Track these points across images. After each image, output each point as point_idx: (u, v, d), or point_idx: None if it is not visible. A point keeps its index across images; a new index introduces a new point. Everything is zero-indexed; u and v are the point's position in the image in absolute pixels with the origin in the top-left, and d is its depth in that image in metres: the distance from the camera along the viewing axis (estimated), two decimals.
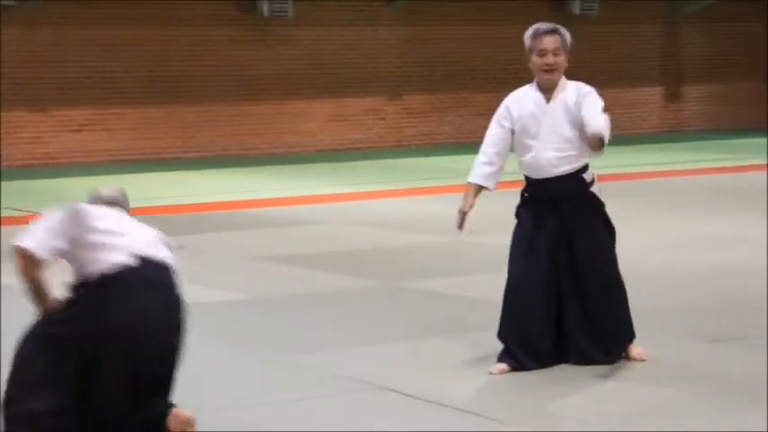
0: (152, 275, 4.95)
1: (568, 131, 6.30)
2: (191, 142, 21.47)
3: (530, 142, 6.34)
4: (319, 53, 22.50)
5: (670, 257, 9.97)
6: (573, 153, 6.33)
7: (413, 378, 6.37)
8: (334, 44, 22.64)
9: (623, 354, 6.49)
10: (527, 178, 6.47)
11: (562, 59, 6.36)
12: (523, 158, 6.41)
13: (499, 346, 6.48)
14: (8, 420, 4.87)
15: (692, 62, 26.09)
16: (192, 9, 21.37)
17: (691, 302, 8.23)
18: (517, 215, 6.54)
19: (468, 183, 6.49)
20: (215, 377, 6.50)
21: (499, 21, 23.54)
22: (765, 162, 17.73)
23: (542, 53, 6.34)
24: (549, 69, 6.33)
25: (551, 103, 6.34)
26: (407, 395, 6.04)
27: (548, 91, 6.37)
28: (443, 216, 13.19)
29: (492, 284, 9.04)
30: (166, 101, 21.11)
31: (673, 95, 25.87)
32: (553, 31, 6.40)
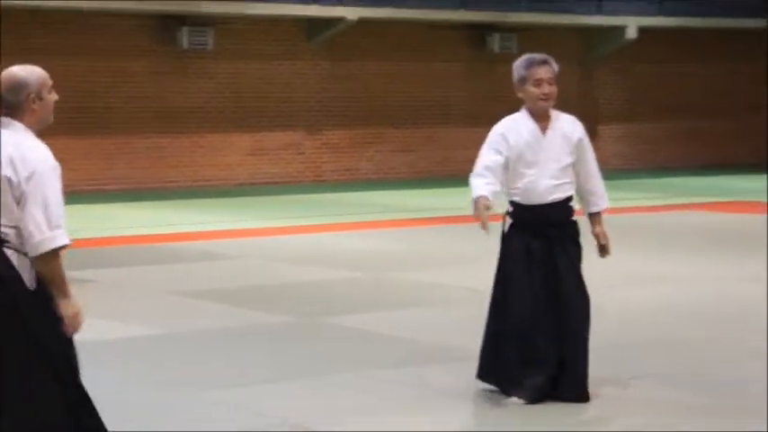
0: None
1: (565, 160, 6.54)
2: (108, 174, 21.29)
3: (525, 170, 6.48)
4: (239, 86, 22.46)
5: (594, 295, 10.01)
6: (566, 181, 6.56)
7: (323, 415, 6.34)
8: (254, 78, 22.62)
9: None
10: (517, 204, 6.55)
11: (555, 89, 6.57)
12: (517, 185, 6.51)
13: (408, 383, 6.48)
14: None
15: (608, 102, 26.44)
16: (111, 41, 21.23)
17: (612, 340, 8.29)
18: (504, 243, 6.58)
19: (476, 197, 6.32)
20: (125, 413, 6.42)
21: (419, 58, 23.66)
22: (685, 201, 18.04)
23: (538, 83, 6.54)
24: (546, 98, 6.53)
25: (549, 131, 6.55)
26: None
27: (541, 120, 6.56)
28: (361, 252, 13.22)
29: (406, 321, 9.07)
30: (85, 132, 20.93)
31: (589, 134, 26.13)
32: (547, 62, 6.63)
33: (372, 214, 16.94)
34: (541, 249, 6.46)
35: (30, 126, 5.05)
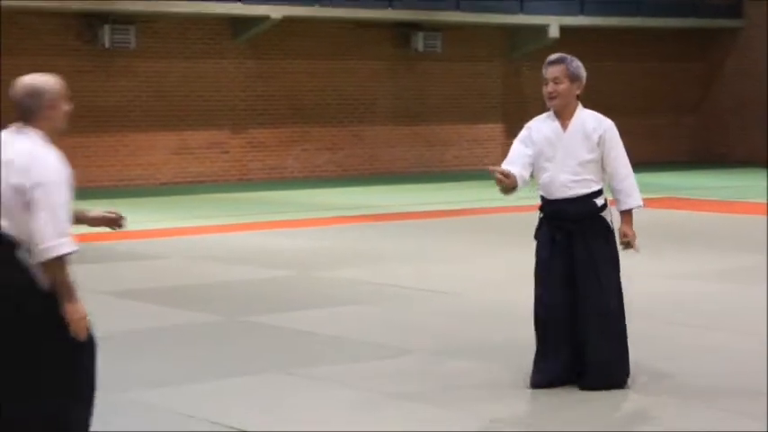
0: None
1: (584, 156, 6.69)
2: None
3: (546, 164, 6.73)
4: (162, 85, 22.32)
5: (512, 292, 10.09)
6: (588, 177, 6.71)
7: (255, 415, 6.32)
8: (178, 76, 22.49)
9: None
10: (543, 198, 6.81)
11: (563, 87, 6.75)
12: (540, 180, 6.76)
13: (341, 381, 6.47)
14: None
15: (532, 100, 26.60)
16: (33, 39, 21.01)
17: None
18: (536, 236, 6.84)
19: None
20: None
21: (344, 55, 23.66)
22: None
23: (545, 82, 6.80)
24: (550, 97, 6.76)
25: (568, 129, 6.72)
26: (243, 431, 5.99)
27: (563, 118, 6.77)
28: (288, 250, 13.19)
29: (336, 319, 9.07)
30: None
31: (513, 132, 26.31)
32: (556, 61, 6.82)
33: (299, 213, 16.91)
34: (565, 242, 6.66)
35: (43, 133, 5.07)
